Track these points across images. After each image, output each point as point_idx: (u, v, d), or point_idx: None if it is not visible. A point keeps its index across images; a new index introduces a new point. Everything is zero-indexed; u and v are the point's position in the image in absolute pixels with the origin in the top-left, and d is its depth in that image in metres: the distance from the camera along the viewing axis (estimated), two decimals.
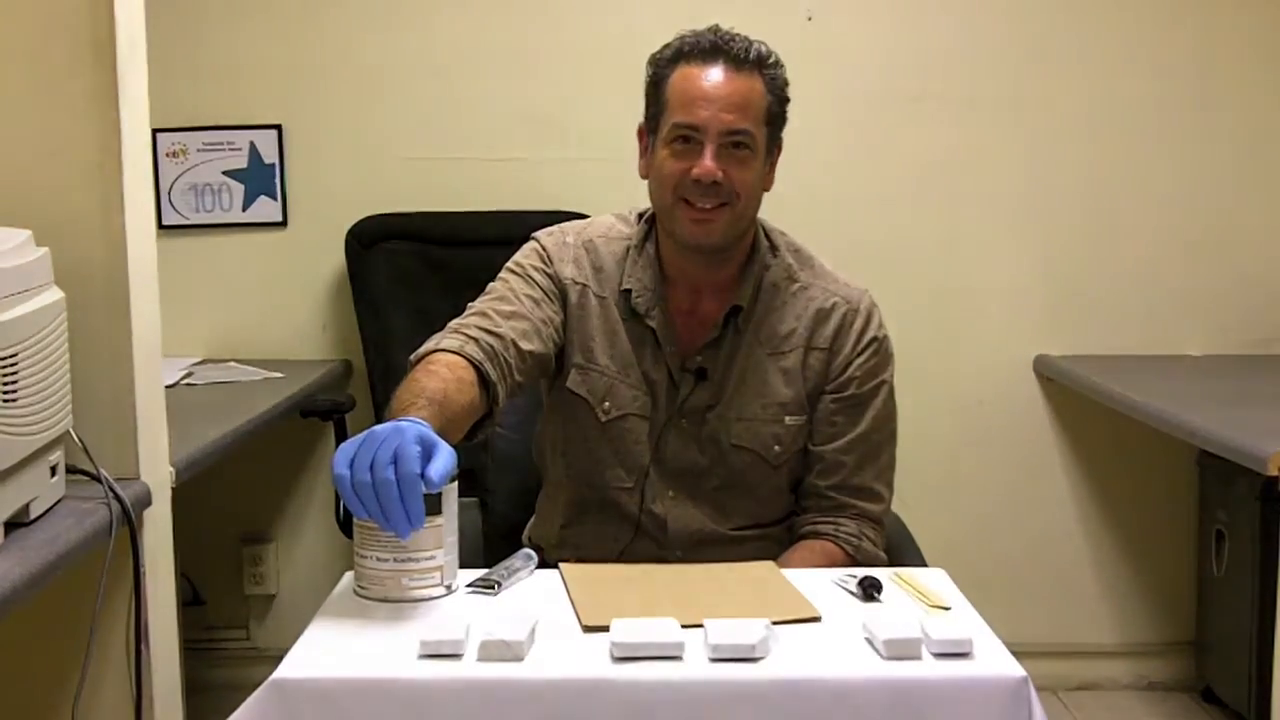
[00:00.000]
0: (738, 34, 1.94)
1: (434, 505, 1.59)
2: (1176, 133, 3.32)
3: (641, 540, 1.98)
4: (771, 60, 1.94)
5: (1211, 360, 3.31)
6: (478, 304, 1.94)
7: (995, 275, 3.36)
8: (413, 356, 1.82)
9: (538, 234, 2.07)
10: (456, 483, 1.64)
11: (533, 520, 2.15)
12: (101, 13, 1.78)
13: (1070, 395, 3.31)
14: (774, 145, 1.97)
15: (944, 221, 3.35)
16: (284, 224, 3.33)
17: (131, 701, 1.85)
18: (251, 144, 3.29)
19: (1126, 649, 3.44)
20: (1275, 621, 2.31)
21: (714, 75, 1.90)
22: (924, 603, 1.62)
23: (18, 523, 1.65)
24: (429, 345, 1.83)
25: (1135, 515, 3.42)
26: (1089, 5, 3.30)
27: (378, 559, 1.59)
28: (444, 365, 1.77)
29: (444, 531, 1.60)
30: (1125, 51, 3.31)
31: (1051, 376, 3.34)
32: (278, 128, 3.29)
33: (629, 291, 1.99)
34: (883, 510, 2.02)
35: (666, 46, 1.95)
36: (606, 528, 2.00)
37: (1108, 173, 3.33)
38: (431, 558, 1.59)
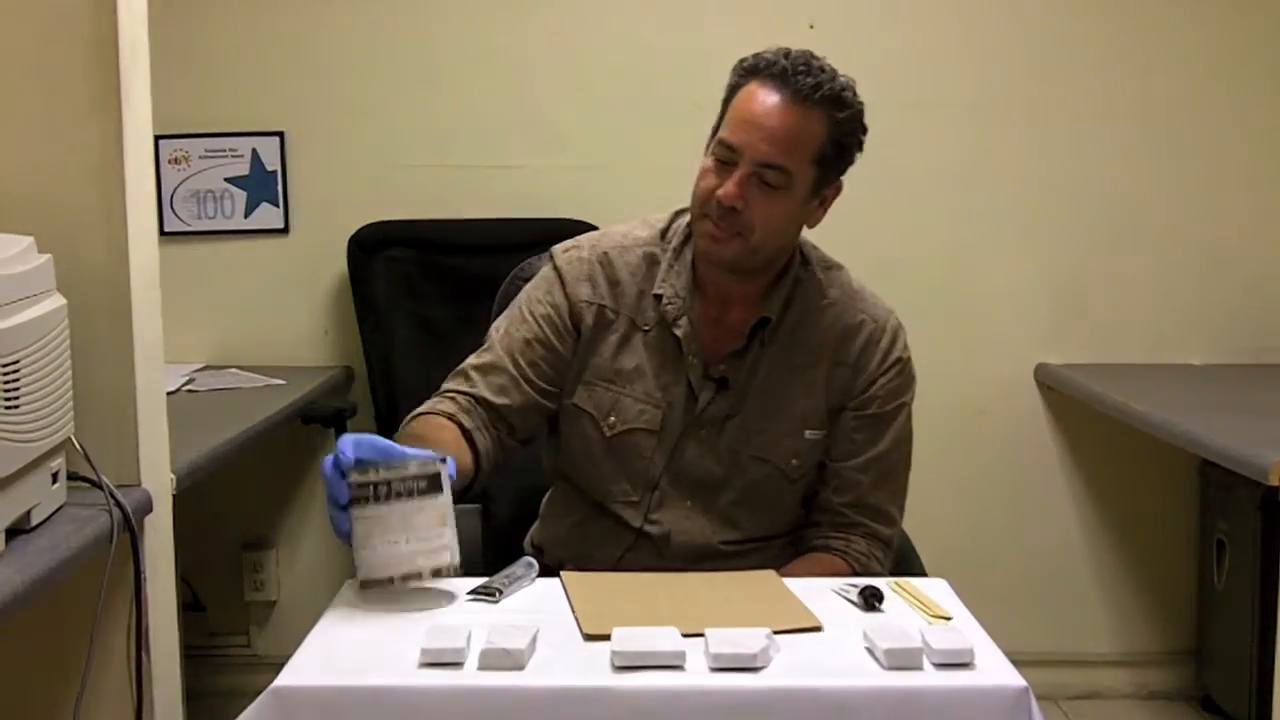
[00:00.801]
0: (823, 66, 1.87)
1: (435, 484, 1.59)
2: (1179, 141, 3.31)
3: (642, 553, 1.97)
4: (846, 101, 1.88)
5: (1213, 369, 3.30)
6: (470, 358, 2.00)
7: (996, 283, 3.36)
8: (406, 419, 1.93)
9: (555, 251, 2.04)
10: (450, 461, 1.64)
11: (536, 524, 2.14)
12: (104, 19, 1.79)
13: (1071, 404, 3.30)
14: (825, 185, 1.93)
15: (945, 229, 3.35)
16: (286, 231, 3.33)
17: (132, 708, 1.85)
18: (254, 151, 3.30)
19: (1127, 658, 3.44)
20: (1276, 631, 2.31)
21: (771, 101, 1.85)
22: (925, 612, 1.62)
23: (19, 529, 1.65)
24: (420, 409, 1.94)
25: (1136, 524, 3.41)
26: (1092, 11, 3.30)
27: (390, 541, 1.58)
28: (432, 426, 1.88)
29: (447, 511, 1.60)
30: (1128, 59, 3.31)
31: (1053, 385, 3.34)
32: (280, 134, 3.29)
33: (659, 297, 1.97)
34: (893, 534, 2.01)
35: (754, 55, 1.90)
36: (609, 539, 1.99)
37: (1110, 181, 3.33)
38: (440, 535, 1.59)
